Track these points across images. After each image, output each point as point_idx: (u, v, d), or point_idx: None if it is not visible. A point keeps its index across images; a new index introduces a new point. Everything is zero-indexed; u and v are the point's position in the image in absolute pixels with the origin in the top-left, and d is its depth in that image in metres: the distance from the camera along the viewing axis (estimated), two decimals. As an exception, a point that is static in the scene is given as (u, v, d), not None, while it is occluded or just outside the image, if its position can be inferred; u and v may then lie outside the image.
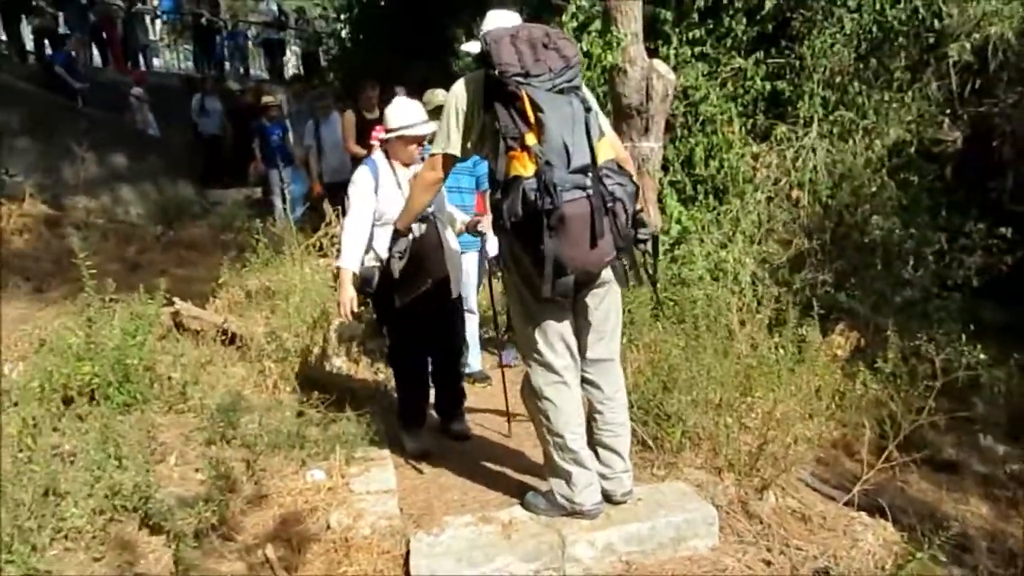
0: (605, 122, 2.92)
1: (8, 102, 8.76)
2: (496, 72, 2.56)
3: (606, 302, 2.85)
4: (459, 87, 2.81)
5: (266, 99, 9.38)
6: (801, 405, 3.63)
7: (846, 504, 3.31)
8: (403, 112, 3.57)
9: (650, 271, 2.86)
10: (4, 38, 11.56)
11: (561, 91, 2.61)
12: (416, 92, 5.91)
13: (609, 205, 2.55)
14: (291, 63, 15.16)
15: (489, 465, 3.39)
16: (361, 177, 3.57)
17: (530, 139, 2.51)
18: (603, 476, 2.90)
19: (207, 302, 5.58)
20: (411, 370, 3.66)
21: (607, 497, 2.88)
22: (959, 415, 4.22)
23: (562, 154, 2.51)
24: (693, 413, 3.36)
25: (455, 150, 2.81)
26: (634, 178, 2.81)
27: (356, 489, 3.05)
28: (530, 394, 2.87)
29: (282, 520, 2.86)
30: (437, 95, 4.38)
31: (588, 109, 2.63)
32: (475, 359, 4.72)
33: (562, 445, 2.79)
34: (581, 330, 2.85)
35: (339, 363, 4.80)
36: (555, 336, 2.78)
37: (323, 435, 3.52)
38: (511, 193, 2.52)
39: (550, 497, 2.87)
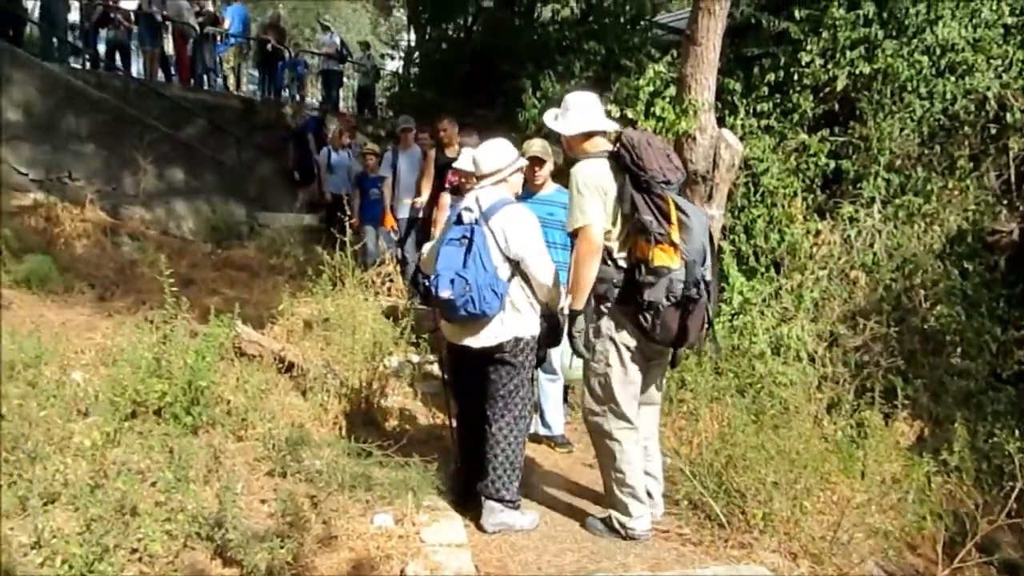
0: None
1: (80, 109, 8.98)
2: (646, 175, 3.11)
3: (663, 364, 3.48)
4: (597, 170, 3.26)
5: (367, 147, 8.73)
6: (872, 493, 3.58)
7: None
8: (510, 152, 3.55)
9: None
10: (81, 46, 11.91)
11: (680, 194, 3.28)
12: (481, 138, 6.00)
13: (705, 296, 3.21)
14: (346, 96, 15.50)
15: (559, 528, 3.36)
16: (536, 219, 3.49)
17: (675, 236, 3.08)
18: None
19: (262, 327, 5.62)
20: (524, 438, 3.55)
21: None
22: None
23: (701, 254, 3.14)
24: (773, 493, 3.31)
25: (607, 224, 3.21)
26: None
27: (428, 540, 3.02)
28: (599, 435, 3.35)
29: (355, 565, 2.83)
30: (534, 145, 4.44)
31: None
32: (558, 424, 4.63)
33: (622, 480, 3.29)
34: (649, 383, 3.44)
35: (396, 402, 4.79)
36: (636, 391, 3.32)
37: (389, 478, 3.49)
38: (660, 280, 3.07)
39: (608, 522, 3.40)
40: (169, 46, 12.66)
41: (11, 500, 2.81)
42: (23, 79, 8.50)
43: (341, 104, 15.01)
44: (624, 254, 3.23)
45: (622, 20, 9.61)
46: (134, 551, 2.70)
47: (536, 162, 4.36)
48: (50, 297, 5.58)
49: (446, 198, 5.62)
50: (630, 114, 6.09)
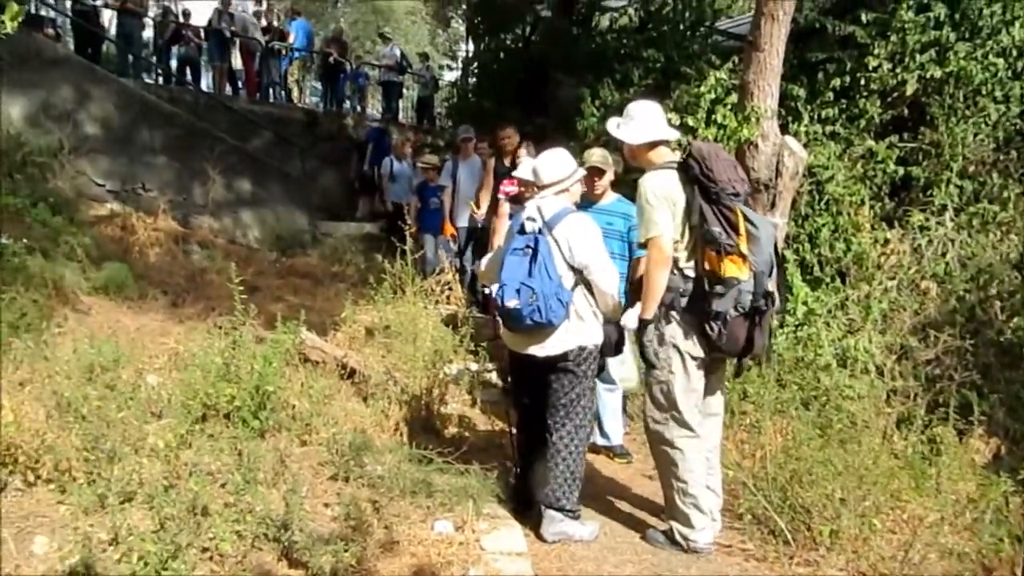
0: None
1: (154, 123, 9.35)
2: (716, 187, 3.12)
3: (721, 373, 3.51)
4: (664, 181, 3.27)
5: (426, 160, 8.69)
6: (946, 513, 3.45)
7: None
8: (570, 162, 3.59)
9: None
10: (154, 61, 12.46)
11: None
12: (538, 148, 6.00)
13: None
14: (406, 106, 15.78)
15: (618, 539, 3.34)
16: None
17: (743, 247, 3.08)
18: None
19: (325, 334, 5.74)
20: (585, 448, 3.53)
21: None
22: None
23: (768, 265, 3.15)
24: (841, 510, 3.22)
25: (675, 234, 3.24)
26: None
27: (488, 547, 3.04)
28: (661, 444, 3.32)
29: (417, 570, 2.86)
30: (594, 154, 4.43)
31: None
32: (617, 433, 4.60)
33: (684, 490, 3.26)
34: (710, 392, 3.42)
35: (455, 409, 4.83)
36: (698, 399, 3.30)
37: (449, 485, 3.52)
38: (729, 291, 3.09)
39: (669, 535, 3.36)
40: (237, 61, 13.12)
41: (91, 498, 2.94)
42: (101, 95, 8.91)
43: (401, 115, 15.29)
44: (691, 264, 3.23)
45: (681, 27, 9.52)
46: (205, 550, 2.79)
47: (596, 172, 4.34)
48: (126, 303, 5.82)
49: (506, 207, 5.65)
50: (691, 122, 6.03)
